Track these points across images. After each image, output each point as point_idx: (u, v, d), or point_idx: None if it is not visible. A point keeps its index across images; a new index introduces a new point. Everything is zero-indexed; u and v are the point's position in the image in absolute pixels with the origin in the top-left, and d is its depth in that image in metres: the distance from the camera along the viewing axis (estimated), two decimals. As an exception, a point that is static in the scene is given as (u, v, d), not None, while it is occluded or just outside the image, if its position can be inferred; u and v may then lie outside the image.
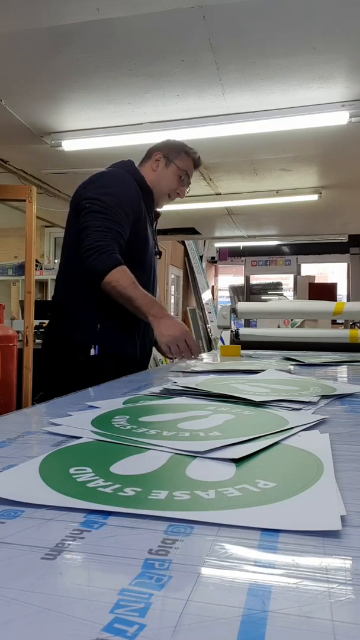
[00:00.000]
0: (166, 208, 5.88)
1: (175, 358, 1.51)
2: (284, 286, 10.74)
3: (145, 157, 1.79)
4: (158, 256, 1.81)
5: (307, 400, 0.95)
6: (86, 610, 0.29)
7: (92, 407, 0.90)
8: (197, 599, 0.30)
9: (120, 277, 1.45)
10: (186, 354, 1.47)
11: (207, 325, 9.94)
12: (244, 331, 2.53)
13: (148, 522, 0.41)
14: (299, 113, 3.07)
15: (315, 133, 3.39)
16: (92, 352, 1.54)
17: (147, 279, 1.66)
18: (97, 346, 1.54)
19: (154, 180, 1.73)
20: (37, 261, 5.10)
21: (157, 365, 2.29)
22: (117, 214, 1.50)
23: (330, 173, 4.47)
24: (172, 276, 8.99)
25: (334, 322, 5.01)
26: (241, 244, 9.33)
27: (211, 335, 9.67)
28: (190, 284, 9.91)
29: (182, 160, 1.76)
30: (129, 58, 2.54)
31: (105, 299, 1.53)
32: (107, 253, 1.44)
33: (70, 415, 0.83)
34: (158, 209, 1.84)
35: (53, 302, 1.71)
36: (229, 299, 10.86)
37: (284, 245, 10.14)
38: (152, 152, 1.78)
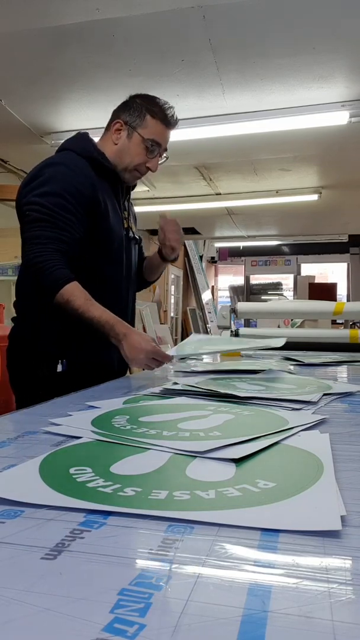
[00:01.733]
0: (166, 208, 5.84)
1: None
2: (284, 286, 10.75)
3: (108, 124, 1.48)
4: (136, 242, 1.55)
5: (307, 400, 0.95)
6: (86, 610, 0.29)
7: (92, 407, 0.90)
8: (197, 599, 0.30)
9: (69, 298, 1.24)
10: (159, 366, 1.30)
11: (207, 325, 9.93)
12: (243, 331, 2.53)
13: (148, 522, 0.41)
14: (299, 113, 3.07)
15: (315, 133, 3.39)
16: (59, 367, 1.36)
17: (118, 272, 1.46)
18: (64, 361, 1.37)
19: (115, 155, 1.43)
20: (37, 261, 5.09)
21: None
22: (59, 217, 1.28)
23: (330, 173, 4.47)
24: (172, 276, 8.99)
25: (334, 322, 5.01)
26: (241, 244, 9.34)
27: (211, 335, 9.66)
28: (190, 284, 9.91)
29: (147, 127, 1.40)
30: (129, 58, 2.54)
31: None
32: (50, 270, 1.24)
33: (70, 415, 0.83)
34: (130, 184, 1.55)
35: (16, 307, 1.47)
36: (229, 299, 10.86)
37: (284, 245, 10.14)
38: (113, 118, 1.46)
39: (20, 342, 1.42)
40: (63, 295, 1.23)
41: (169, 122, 1.42)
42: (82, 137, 1.46)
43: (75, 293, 1.24)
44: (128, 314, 1.50)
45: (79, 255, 1.32)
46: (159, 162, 1.47)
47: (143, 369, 1.33)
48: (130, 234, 1.52)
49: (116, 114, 1.45)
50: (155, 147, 1.42)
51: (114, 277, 1.44)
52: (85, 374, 1.35)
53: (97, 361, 1.40)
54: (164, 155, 1.48)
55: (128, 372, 1.56)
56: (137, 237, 1.57)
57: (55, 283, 1.24)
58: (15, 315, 1.46)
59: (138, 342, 1.25)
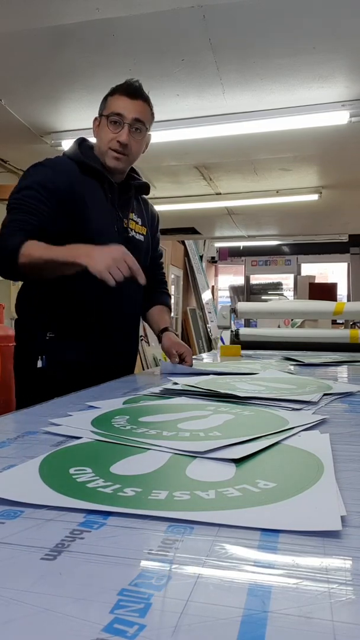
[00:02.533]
0: (166, 208, 5.84)
1: (116, 280, 1.20)
2: (284, 286, 10.74)
3: None
4: (138, 243, 1.51)
5: (307, 400, 0.95)
6: (86, 610, 0.29)
7: (92, 407, 0.90)
8: (197, 599, 0.30)
9: (30, 252, 1.23)
10: (127, 272, 1.19)
11: (207, 325, 9.93)
12: (244, 331, 2.53)
13: (148, 522, 0.41)
14: (299, 113, 3.07)
15: (315, 133, 3.39)
16: (39, 363, 1.38)
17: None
18: (44, 357, 1.38)
19: (97, 148, 1.45)
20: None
21: (156, 365, 2.20)
22: (29, 204, 1.31)
23: (330, 173, 4.47)
24: (172, 276, 8.99)
25: (334, 322, 5.01)
26: (241, 244, 9.33)
27: (211, 335, 9.67)
28: (190, 284, 9.90)
29: (107, 106, 1.41)
30: (129, 58, 2.54)
31: (56, 306, 1.38)
32: (7, 239, 1.25)
33: (70, 415, 0.83)
34: (128, 182, 1.52)
35: (16, 307, 1.52)
36: (229, 299, 10.86)
37: (284, 245, 10.13)
38: None
39: (17, 340, 1.47)
40: (24, 254, 1.23)
41: (127, 91, 1.39)
42: (75, 142, 1.49)
43: (34, 247, 1.24)
44: (122, 315, 1.46)
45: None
46: (138, 137, 1.41)
47: (111, 280, 1.18)
48: (130, 234, 1.49)
49: None
50: (117, 117, 1.37)
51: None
52: (63, 371, 1.35)
53: (77, 360, 1.38)
54: (141, 127, 1.41)
55: (152, 362, 1.57)
56: (135, 237, 1.51)
57: (13, 246, 1.23)
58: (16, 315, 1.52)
59: (104, 250, 1.19)
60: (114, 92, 1.42)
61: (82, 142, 1.49)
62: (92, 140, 1.49)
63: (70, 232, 1.34)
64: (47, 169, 1.38)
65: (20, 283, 1.53)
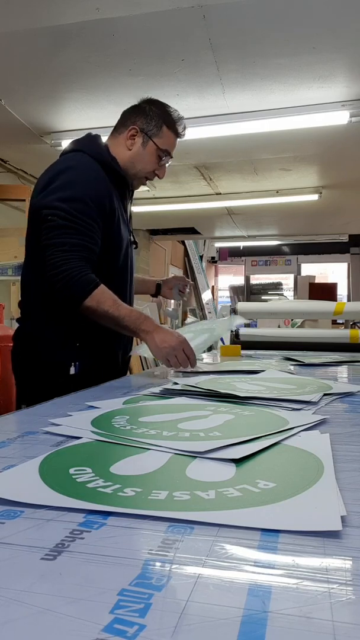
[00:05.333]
0: (166, 208, 5.82)
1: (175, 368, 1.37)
2: (284, 286, 10.74)
3: (119, 125, 1.47)
4: (134, 246, 1.57)
5: (307, 400, 0.95)
6: (86, 610, 0.29)
7: (92, 407, 0.90)
8: (197, 599, 0.30)
9: (100, 300, 1.27)
10: (184, 364, 1.33)
11: (207, 325, 9.91)
12: (244, 331, 2.53)
13: (148, 522, 0.41)
14: (299, 113, 3.07)
15: (315, 133, 3.39)
16: (72, 370, 1.39)
17: (121, 275, 1.48)
18: (77, 363, 1.39)
19: (128, 161, 1.43)
20: (37, 261, 5.10)
21: (156, 365, 2.21)
22: (83, 223, 1.28)
23: (330, 173, 4.47)
24: (172, 276, 8.98)
25: (334, 322, 5.01)
26: (241, 244, 9.33)
27: (211, 335, 9.65)
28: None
29: (164, 138, 1.43)
30: (129, 58, 2.54)
31: (80, 318, 1.35)
32: (78, 276, 1.26)
33: (70, 415, 0.83)
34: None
35: (22, 307, 1.46)
36: (229, 299, 10.86)
37: (284, 245, 10.14)
38: (126, 121, 1.45)
39: (26, 345, 1.42)
40: (93, 299, 1.27)
41: (179, 133, 1.47)
42: (93, 140, 1.45)
43: (105, 295, 1.29)
44: None
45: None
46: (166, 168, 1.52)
47: (169, 366, 1.35)
48: (132, 239, 1.55)
49: (129, 118, 1.44)
50: (167, 157, 1.46)
51: (120, 281, 1.47)
52: (97, 375, 1.37)
53: (107, 362, 1.46)
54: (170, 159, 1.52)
55: (152, 363, 1.62)
56: (135, 241, 1.58)
57: (85, 288, 1.27)
58: (19, 316, 1.47)
59: (166, 335, 1.32)
60: (170, 126, 1.44)
61: (101, 142, 1.46)
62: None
63: (104, 240, 1.37)
64: (87, 176, 1.35)
65: (17, 284, 1.52)
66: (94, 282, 1.28)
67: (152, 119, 1.43)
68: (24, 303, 1.45)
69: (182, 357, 1.32)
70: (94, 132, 1.52)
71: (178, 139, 1.50)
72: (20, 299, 1.47)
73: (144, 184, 1.53)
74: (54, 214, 1.27)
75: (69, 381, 1.36)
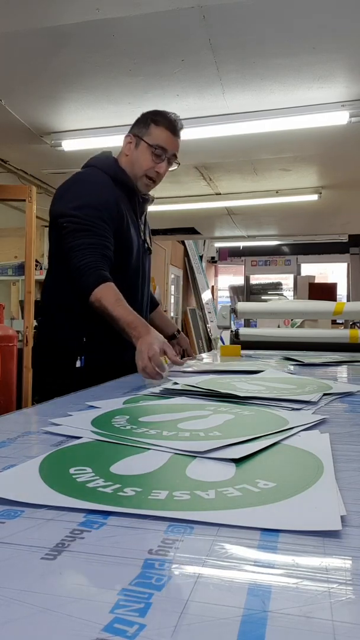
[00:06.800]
0: (166, 208, 5.81)
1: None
2: (284, 286, 10.74)
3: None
4: (148, 252, 1.66)
5: (307, 400, 0.95)
6: (86, 610, 0.29)
7: (92, 407, 0.90)
8: (197, 599, 0.30)
9: (102, 296, 1.32)
10: (153, 377, 1.23)
11: (207, 325, 9.93)
12: (244, 331, 2.53)
13: (148, 522, 0.41)
14: (299, 113, 3.07)
15: (315, 133, 3.39)
16: (78, 363, 1.47)
17: (133, 279, 1.56)
18: (83, 357, 1.47)
19: (129, 166, 1.54)
20: (37, 261, 5.10)
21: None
22: (98, 226, 1.39)
23: (330, 173, 4.47)
24: (172, 276, 8.99)
25: (334, 322, 5.01)
26: (241, 244, 9.33)
27: (211, 335, 9.67)
28: (190, 284, 9.91)
29: (153, 134, 1.51)
30: (129, 58, 2.54)
31: (91, 312, 1.40)
32: (91, 271, 1.34)
33: (70, 415, 0.83)
34: (146, 194, 1.64)
35: (41, 306, 1.62)
36: (229, 299, 10.86)
37: (284, 245, 10.14)
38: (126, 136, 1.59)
39: (39, 340, 1.58)
40: (96, 293, 1.32)
41: (172, 127, 1.52)
42: (104, 156, 1.59)
43: (108, 292, 1.33)
44: (145, 316, 1.60)
45: None
46: (171, 169, 1.58)
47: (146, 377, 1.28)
48: (146, 246, 1.63)
49: (130, 129, 1.58)
50: (161, 151, 1.51)
51: (132, 287, 1.54)
52: (101, 371, 1.43)
53: (112, 360, 1.49)
54: (175, 162, 1.58)
55: None
56: (149, 248, 1.67)
57: (92, 282, 1.33)
58: (38, 313, 1.65)
59: (145, 346, 1.23)
60: (158, 122, 1.51)
61: (112, 157, 1.58)
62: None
63: (116, 246, 1.45)
64: (97, 187, 1.46)
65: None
66: (103, 277, 1.33)
67: (141, 121, 1.54)
68: (42, 303, 1.60)
69: (152, 371, 1.22)
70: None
71: (178, 138, 1.54)
72: (40, 297, 1.63)
73: (150, 185, 1.57)
74: (69, 220, 1.40)
75: (74, 374, 1.45)
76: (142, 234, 1.61)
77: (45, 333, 1.57)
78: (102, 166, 1.53)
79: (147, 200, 1.66)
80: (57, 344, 1.51)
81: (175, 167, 1.60)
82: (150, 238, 1.72)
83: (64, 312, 1.50)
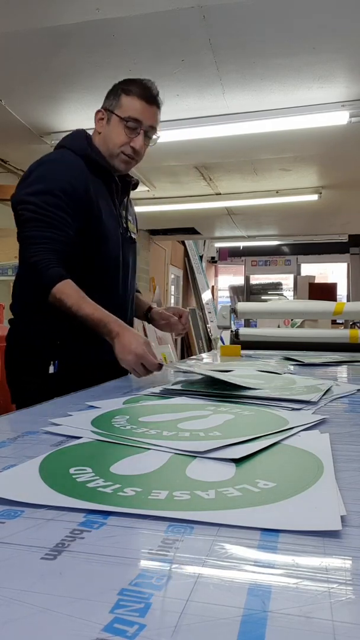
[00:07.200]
0: (166, 208, 5.79)
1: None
2: (284, 286, 10.75)
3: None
4: (130, 242, 1.49)
5: (307, 400, 0.95)
6: (86, 610, 0.29)
7: (92, 407, 0.90)
8: (197, 599, 0.30)
9: (62, 296, 1.22)
10: (146, 374, 1.23)
11: (207, 325, 9.94)
12: (244, 331, 2.53)
13: (148, 522, 0.41)
14: (299, 113, 3.07)
15: (316, 133, 3.39)
16: (51, 369, 1.35)
17: (111, 271, 1.41)
18: (56, 362, 1.35)
19: (103, 145, 1.39)
20: (37, 261, 5.11)
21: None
22: (53, 216, 1.26)
23: (330, 173, 4.47)
24: (172, 276, 8.99)
25: (334, 322, 5.01)
26: (241, 244, 9.34)
27: (211, 335, 9.67)
28: (190, 284, 9.91)
29: (124, 106, 1.34)
30: (129, 58, 2.55)
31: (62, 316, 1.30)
32: (44, 269, 1.23)
33: (70, 415, 0.83)
34: (128, 177, 1.49)
35: (11, 305, 1.46)
36: (229, 299, 10.86)
37: (284, 245, 10.14)
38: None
39: (15, 344, 1.41)
40: (55, 294, 1.22)
41: (146, 95, 1.34)
42: (77, 135, 1.43)
43: (67, 291, 1.23)
44: (127, 315, 1.46)
45: (74, 254, 1.30)
46: (150, 144, 1.42)
47: (137, 376, 1.24)
48: (128, 234, 1.48)
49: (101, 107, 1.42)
50: (135, 124, 1.34)
51: (109, 276, 1.40)
52: (78, 375, 1.32)
53: (88, 362, 1.37)
54: (155, 136, 1.41)
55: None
56: (131, 236, 1.51)
57: (49, 281, 1.23)
58: (11, 316, 1.45)
59: (129, 342, 1.19)
60: (129, 92, 1.35)
61: (85, 136, 1.43)
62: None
63: (86, 234, 1.32)
64: (61, 168, 1.33)
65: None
66: (59, 275, 1.23)
67: (112, 93, 1.38)
68: (14, 302, 1.45)
69: (141, 370, 1.20)
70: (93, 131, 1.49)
71: (155, 107, 1.37)
72: (12, 297, 1.46)
73: (129, 163, 1.41)
74: (25, 207, 1.27)
75: (48, 380, 1.34)
76: (123, 222, 1.46)
77: (16, 338, 1.42)
78: (73, 146, 1.38)
79: (129, 184, 1.50)
80: (29, 348, 1.38)
81: (154, 142, 1.42)
82: (136, 226, 1.57)
83: (34, 313, 1.37)
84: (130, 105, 1.34)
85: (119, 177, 1.46)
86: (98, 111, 1.40)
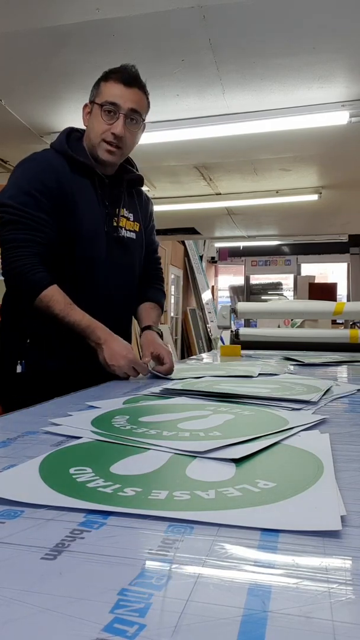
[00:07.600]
0: (166, 208, 5.81)
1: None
2: (284, 286, 10.75)
3: None
4: (116, 241, 1.39)
5: (307, 400, 0.95)
6: (86, 610, 0.29)
7: (92, 407, 0.90)
8: (197, 599, 0.30)
9: (48, 303, 1.22)
10: (136, 375, 1.27)
11: (207, 325, 9.94)
12: (244, 331, 2.53)
13: (148, 522, 0.41)
14: (299, 113, 3.07)
15: (316, 133, 3.40)
16: (19, 369, 1.33)
17: (96, 272, 1.34)
18: (23, 362, 1.33)
19: (86, 137, 1.37)
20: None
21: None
22: (31, 217, 1.24)
23: (330, 173, 4.47)
24: (172, 276, 8.99)
25: (334, 322, 5.01)
26: (241, 244, 9.34)
27: (211, 335, 9.67)
28: (190, 284, 9.91)
29: (102, 93, 1.30)
30: (129, 58, 2.54)
31: (37, 314, 1.28)
32: (29, 274, 1.22)
33: (70, 415, 0.83)
34: (123, 171, 1.44)
35: None
36: (229, 299, 10.87)
37: (284, 245, 10.14)
38: None
39: None
40: (42, 300, 1.22)
41: (124, 78, 1.29)
42: (62, 133, 1.41)
43: (55, 297, 1.23)
44: (111, 320, 1.32)
45: (52, 254, 1.29)
46: (134, 130, 1.33)
47: (121, 377, 1.26)
48: (119, 234, 1.39)
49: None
50: (112, 107, 1.29)
51: (90, 278, 1.34)
52: (48, 379, 1.30)
53: (58, 368, 1.32)
54: (140, 120, 1.33)
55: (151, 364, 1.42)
56: (120, 237, 1.40)
57: (35, 287, 1.23)
58: None
59: (119, 349, 1.24)
60: (107, 77, 1.31)
61: (70, 133, 1.40)
62: (80, 127, 1.41)
63: (61, 233, 1.29)
64: (34, 167, 1.31)
65: None
66: (44, 281, 1.23)
67: (94, 85, 1.35)
68: None
69: (132, 374, 1.25)
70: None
71: (136, 89, 1.31)
72: None
73: (114, 153, 1.33)
74: (3, 211, 1.25)
75: (16, 380, 1.32)
76: (113, 220, 1.38)
77: None
78: (55, 145, 1.37)
79: (121, 180, 1.42)
80: (1, 345, 1.36)
81: (140, 125, 1.34)
82: (143, 224, 1.50)
83: (7, 313, 1.36)
84: (108, 90, 1.30)
85: (116, 173, 1.41)
86: (84, 106, 1.37)
